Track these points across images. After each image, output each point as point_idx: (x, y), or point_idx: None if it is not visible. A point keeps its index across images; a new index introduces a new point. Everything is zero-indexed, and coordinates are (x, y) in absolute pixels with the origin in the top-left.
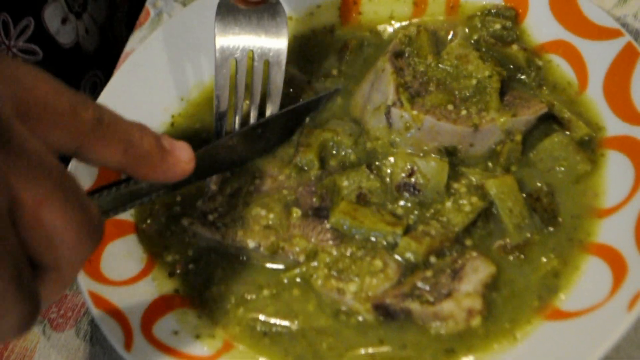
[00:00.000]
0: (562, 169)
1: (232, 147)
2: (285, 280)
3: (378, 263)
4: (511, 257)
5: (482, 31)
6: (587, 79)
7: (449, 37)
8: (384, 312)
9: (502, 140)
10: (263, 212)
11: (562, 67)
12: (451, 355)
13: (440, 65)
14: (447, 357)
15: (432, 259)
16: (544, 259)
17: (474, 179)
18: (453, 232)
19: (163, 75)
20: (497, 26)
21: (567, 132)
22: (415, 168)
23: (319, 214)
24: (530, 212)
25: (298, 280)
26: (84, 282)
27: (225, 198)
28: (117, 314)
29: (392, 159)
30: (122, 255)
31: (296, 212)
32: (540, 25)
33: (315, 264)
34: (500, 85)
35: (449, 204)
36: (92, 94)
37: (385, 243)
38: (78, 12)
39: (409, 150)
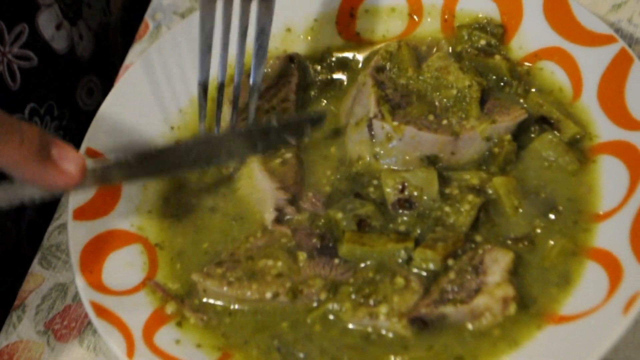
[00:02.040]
0: (552, 168)
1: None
2: (309, 321)
3: (400, 280)
4: (520, 246)
5: (466, 43)
6: (581, 85)
7: (433, 51)
8: (421, 323)
9: (497, 144)
10: (270, 262)
11: (556, 73)
12: None
13: (420, 78)
14: None
15: (450, 262)
16: (551, 242)
17: (467, 177)
18: (461, 232)
19: (162, 87)
20: (483, 42)
21: (557, 133)
22: (405, 183)
23: (324, 252)
24: (530, 205)
25: (331, 317)
26: (86, 292)
27: (229, 257)
28: (119, 324)
29: (376, 182)
30: (123, 265)
31: (302, 255)
32: (535, 32)
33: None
34: (481, 94)
35: (447, 208)
36: (89, 99)
37: (400, 260)
38: (72, 18)
39: (388, 163)
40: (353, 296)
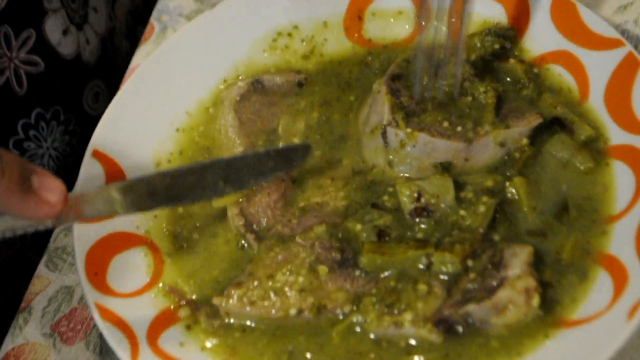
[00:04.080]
0: (566, 168)
1: (169, 184)
2: (334, 334)
3: (422, 287)
4: (534, 240)
5: (480, 50)
6: (588, 89)
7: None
8: (446, 326)
9: (518, 148)
10: (292, 278)
11: (563, 76)
12: None
13: (436, 85)
14: None
15: (470, 263)
16: (568, 235)
17: (480, 180)
18: (479, 233)
19: (168, 89)
20: (496, 46)
21: (570, 134)
22: (421, 191)
23: (345, 264)
24: (546, 204)
25: (358, 329)
26: (91, 294)
27: (248, 278)
28: (123, 326)
29: (391, 189)
30: (128, 267)
31: (323, 270)
32: (542, 35)
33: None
34: (497, 100)
35: (462, 212)
36: (95, 104)
37: (422, 267)
38: (79, 24)
39: (402, 170)
40: (377, 306)
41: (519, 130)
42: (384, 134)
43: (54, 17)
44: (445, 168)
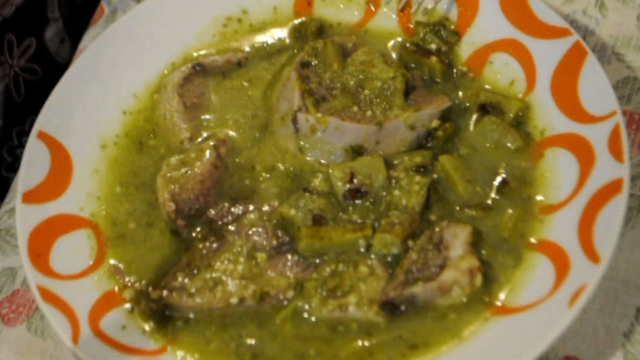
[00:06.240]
0: (497, 147)
1: None
2: (279, 321)
3: (363, 269)
4: (474, 212)
5: (418, 40)
6: (535, 78)
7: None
8: (391, 307)
9: (440, 127)
10: (231, 267)
11: (510, 65)
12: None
13: (345, 71)
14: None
15: (410, 243)
16: (510, 210)
17: (409, 157)
18: (416, 213)
19: (115, 71)
20: (433, 46)
21: (500, 115)
22: (354, 172)
23: (282, 250)
24: (479, 179)
25: (305, 315)
26: (33, 276)
27: (185, 268)
28: (65, 308)
29: (320, 174)
30: (71, 249)
31: (261, 257)
32: (490, 23)
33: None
34: (405, 85)
35: (397, 192)
36: None
37: (362, 249)
38: (72, 32)
39: (314, 155)
40: (320, 291)
41: (429, 112)
42: (294, 120)
43: (55, 26)
44: (356, 152)
